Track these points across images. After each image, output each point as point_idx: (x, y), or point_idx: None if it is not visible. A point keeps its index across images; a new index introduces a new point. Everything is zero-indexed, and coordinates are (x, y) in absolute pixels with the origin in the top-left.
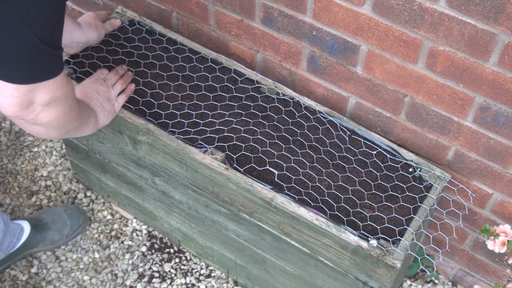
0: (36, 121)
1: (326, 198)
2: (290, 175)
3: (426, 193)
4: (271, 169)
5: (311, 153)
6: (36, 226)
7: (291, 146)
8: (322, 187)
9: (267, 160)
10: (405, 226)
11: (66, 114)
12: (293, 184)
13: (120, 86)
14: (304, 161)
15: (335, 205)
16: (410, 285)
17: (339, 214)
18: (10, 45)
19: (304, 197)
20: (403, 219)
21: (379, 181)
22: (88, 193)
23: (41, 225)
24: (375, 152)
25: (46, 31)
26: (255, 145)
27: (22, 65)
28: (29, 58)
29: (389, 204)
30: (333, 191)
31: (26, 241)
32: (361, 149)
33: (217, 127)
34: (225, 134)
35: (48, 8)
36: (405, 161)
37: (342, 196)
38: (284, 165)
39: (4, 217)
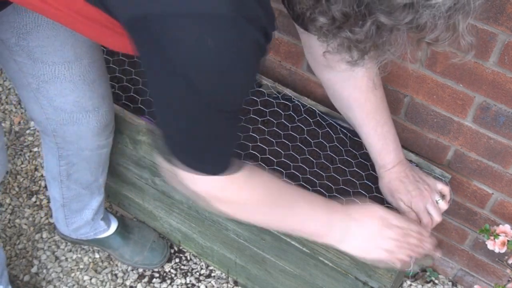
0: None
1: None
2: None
3: None
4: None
5: (312, 156)
6: (121, 234)
7: (284, 143)
8: (322, 189)
9: (275, 160)
10: None
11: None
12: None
13: (409, 252)
14: (305, 165)
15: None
16: (410, 285)
17: None
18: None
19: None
20: None
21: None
22: None
23: (126, 237)
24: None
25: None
26: (254, 144)
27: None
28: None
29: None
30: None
31: (102, 239)
32: (362, 151)
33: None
34: None
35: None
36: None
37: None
38: (281, 161)
39: (99, 211)
